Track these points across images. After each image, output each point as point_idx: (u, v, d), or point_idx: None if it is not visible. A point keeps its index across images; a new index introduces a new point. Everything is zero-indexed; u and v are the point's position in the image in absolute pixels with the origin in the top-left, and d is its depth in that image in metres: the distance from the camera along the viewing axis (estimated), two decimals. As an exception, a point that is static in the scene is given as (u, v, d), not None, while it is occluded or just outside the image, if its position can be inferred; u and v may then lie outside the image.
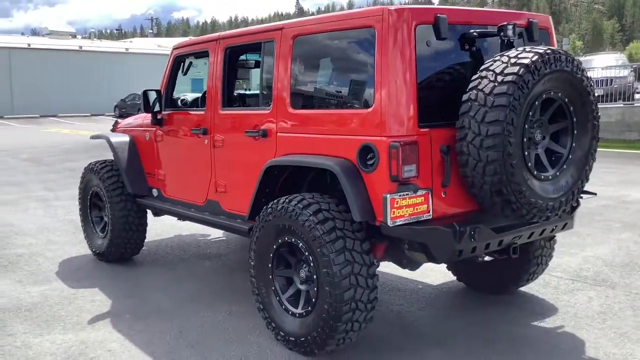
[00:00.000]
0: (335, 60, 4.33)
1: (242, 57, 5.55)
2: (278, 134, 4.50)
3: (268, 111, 4.60)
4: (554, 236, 4.90)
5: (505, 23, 4.00)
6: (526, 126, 3.76)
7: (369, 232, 4.04)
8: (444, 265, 5.32)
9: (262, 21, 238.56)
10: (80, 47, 41.12)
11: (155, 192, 6.11)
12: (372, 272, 3.96)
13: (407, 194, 3.73)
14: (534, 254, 4.99)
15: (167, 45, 51.93)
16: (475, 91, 3.72)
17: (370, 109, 3.86)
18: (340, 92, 4.26)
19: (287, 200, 4.14)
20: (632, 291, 5.31)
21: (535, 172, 3.87)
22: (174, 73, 5.85)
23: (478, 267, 5.27)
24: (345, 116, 4.06)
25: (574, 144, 4.07)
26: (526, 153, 3.78)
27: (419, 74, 3.81)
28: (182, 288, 5.70)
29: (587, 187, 4.33)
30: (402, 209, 3.73)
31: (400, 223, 3.74)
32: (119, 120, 7.11)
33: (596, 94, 4.12)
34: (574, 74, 3.88)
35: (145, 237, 6.52)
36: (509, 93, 3.61)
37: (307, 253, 4.01)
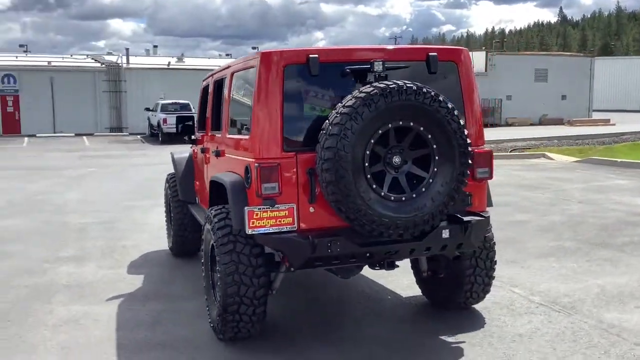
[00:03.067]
0: (243, 94, 5.14)
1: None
2: (226, 154, 5.41)
3: (220, 135, 5.55)
4: (459, 255, 5.11)
5: (374, 60, 4.49)
6: (367, 152, 4.23)
7: None
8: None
9: (519, 32, 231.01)
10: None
11: (197, 200, 7.33)
12: (258, 273, 4.68)
13: (267, 208, 4.42)
14: (465, 272, 5.24)
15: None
16: (327, 121, 4.31)
17: (249, 136, 4.63)
18: (242, 120, 5.08)
19: (211, 209, 5.05)
20: (583, 320, 5.24)
21: (383, 193, 4.30)
22: (204, 100, 7.02)
23: (432, 282, 5.63)
24: (241, 141, 4.88)
25: (435, 169, 4.40)
26: (369, 175, 4.26)
27: (287, 106, 4.50)
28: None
29: None
30: (262, 220, 4.43)
31: (262, 232, 4.44)
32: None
33: (462, 123, 4.38)
34: (426, 105, 4.25)
35: (200, 237, 7.75)
36: (341, 123, 4.16)
37: (216, 254, 4.88)
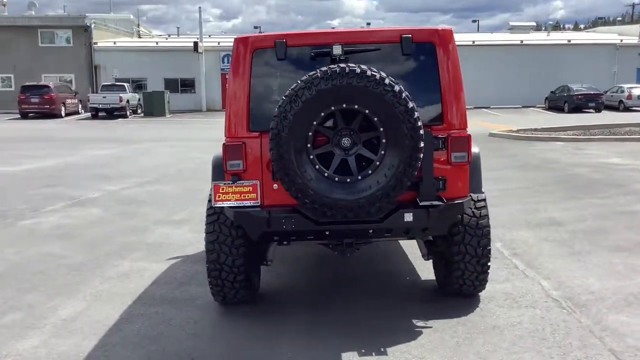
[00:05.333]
0: None
1: None
2: None
3: None
4: (431, 239, 5.01)
5: (334, 43, 4.57)
6: (310, 133, 4.38)
7: None
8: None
9: None
10: (521, 41, 42.63)
11: None
12: (237, 243, 5.06)
13: (230, 183, 4.77)
14: (453, 258, 5.11)
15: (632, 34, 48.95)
16: None
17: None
18: None
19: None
20: (580, 319, 4.88)
21: (327, 174, 4.42)
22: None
23: (436, 267, 5.60)
24: None
25: (382, 152, 4.40)
26: (312, 156, 4.41)
27: (254, 89, 4.77)
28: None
29: None
30: (228, 194, 4.79)
31: (228, 205, 4.80)
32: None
33: (410, 107, 4.30)
34: (369, 88, 4.27)
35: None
36: (282, 106, 4.36)
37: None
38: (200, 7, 41.09)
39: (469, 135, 4.79)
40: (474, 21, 69.65)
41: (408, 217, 4.67)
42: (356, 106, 4.35)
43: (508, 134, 20.66)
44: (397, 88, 4.31)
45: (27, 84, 35.39)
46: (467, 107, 4.85)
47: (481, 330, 4.71)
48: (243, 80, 4.80)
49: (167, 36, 54.18)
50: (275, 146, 4.39)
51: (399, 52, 4.76)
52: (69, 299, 5.75)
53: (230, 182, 4.79)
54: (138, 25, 51.49)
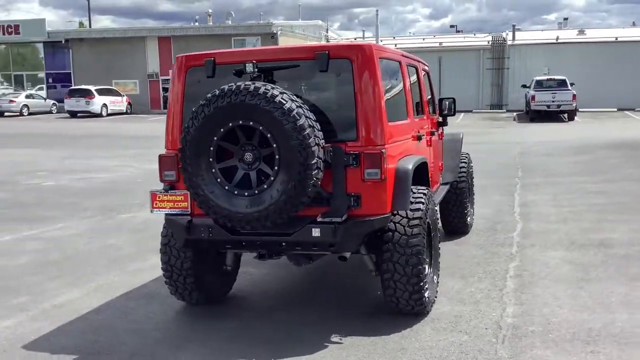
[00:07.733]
0: None
1: None
2: None
3: None
4: (344, 257, 4.96)
5: (246, 61, 4.75)
6: (212, 148, 4.62)
7: None
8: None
9: None
10: None
11: None
12: (184, 248, 5.42)
13: (163, 191, 5.15)
14: (383, 276, 5.02)
15: None
16: None
17: None
18: None
19: None
20: (499, 352, 4.54)
21: (227, 187, 4.63)
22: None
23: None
24: None
25: (276, 168, 4.51)
26: (213, 170, 4.65)
27: (187, 105, 5.10)
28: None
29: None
30: (164, 202, 5.18)
31: (165, 213, 5.19)
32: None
33: (299, 124, 4.36)
34: (260, 105, 4.43)
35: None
36: (186, 122, 4.66)
37: None
38: (377, 10, 41.49)
39: (382, 153, 4.70)
40: None
41: (315, 232, 4.72)
42: (251, 123, 4.52)
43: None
44: (287, 106, 4.41)
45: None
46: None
47: (384, 352, 4.61)
48: (177, 96, 5.16)
49: (353, 39, 55.66)
50: (181, 159, 4.71)
51: (316, 69, 4.81)
52: (77, 287, 6.49)
53: (164, 190, 5.17)
54: (327, 31, 53.44)
